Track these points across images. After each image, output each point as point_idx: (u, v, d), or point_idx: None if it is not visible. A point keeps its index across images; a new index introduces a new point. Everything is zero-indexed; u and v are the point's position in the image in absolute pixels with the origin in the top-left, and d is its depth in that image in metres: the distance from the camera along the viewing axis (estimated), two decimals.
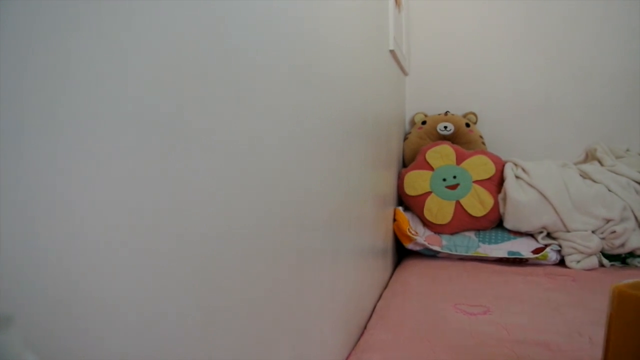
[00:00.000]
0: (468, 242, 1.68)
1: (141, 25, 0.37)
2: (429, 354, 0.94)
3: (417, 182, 1.76)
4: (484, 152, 1.80)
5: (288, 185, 0.67)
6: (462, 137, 1.95)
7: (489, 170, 1.74)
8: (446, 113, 2.02)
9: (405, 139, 2.00)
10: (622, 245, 1.60)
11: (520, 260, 1.63)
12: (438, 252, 1.67)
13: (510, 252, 1.62)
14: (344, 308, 0.97)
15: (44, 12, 0.29)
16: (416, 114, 2.08)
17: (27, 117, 0.28)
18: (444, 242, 1.69)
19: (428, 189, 1.75)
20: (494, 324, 1.08)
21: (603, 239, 1.61)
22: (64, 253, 0.31)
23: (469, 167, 1.75)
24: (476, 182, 1.73)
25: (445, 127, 1.95)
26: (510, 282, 1.41)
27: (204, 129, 0.46)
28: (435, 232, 1.74)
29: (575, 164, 1.83)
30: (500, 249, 1.64)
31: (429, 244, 1.66)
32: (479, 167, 1.75)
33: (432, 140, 1.94)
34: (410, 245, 1.67)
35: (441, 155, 1.78)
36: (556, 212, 1.62)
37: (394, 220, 1.69)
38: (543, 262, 1.63)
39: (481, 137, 1.98)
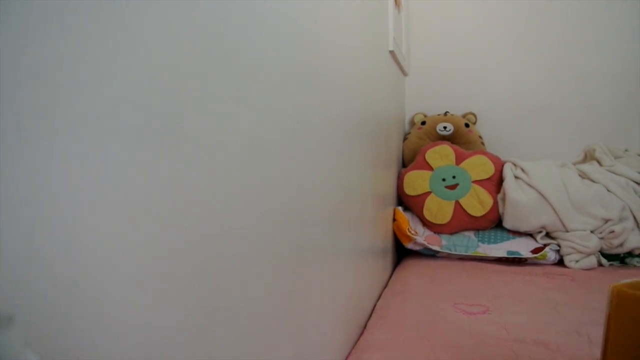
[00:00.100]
0: (467, 242, 1.68)
1: (141, 25, 0.37)
2: (428, 353, 0.94)
3: (416, 182, 1.76)
4: (484, 152, 1.80)
5: (288, 185, 0.67)
6: (461, 137, 1.95)
7: (488, 170, 1.74)
8: (446, 113, 2.02)
9: (404, 139, 2.00)
10: (621, 245, 1.60)
11: (519, 260, 1.64)
12: (437, 252, 1.67)
13: (509, 252, 1.63)
14: (344, 307, 0.97)
15: (41, 12, 0.29)
16: (416, 114, 2.08)
17: (26, 117, 0.28)
18: (444, 242, 1.69)
19: (427, 189, 1.75)
20: (493, 324, 1.08)
21: (602, 238, 1.61)
22: (63, 253, 0.31)
23: (469, 167, 1.75)
24: (475, 182, 1.73)
25: (445, 128, 1.95)
26: (509, 282, 1.41)
27: (204, 129, 0.46)
28: (434, 232, 1.74)
29: (574, 164, 1.83)
30: (499, 249, 1.64)
31: (428, 243, 1.66)
32: (479, 167, 1.75)
33: (432, 140, 1.95)
34: (409, 245, 1.67)
35: (441, 155, 1.78)
36: (555, 212, 1.62)
37: (394, 220, 1.69)
38: (542, 261, 1.63)
39: (480, 137, 1.98)
